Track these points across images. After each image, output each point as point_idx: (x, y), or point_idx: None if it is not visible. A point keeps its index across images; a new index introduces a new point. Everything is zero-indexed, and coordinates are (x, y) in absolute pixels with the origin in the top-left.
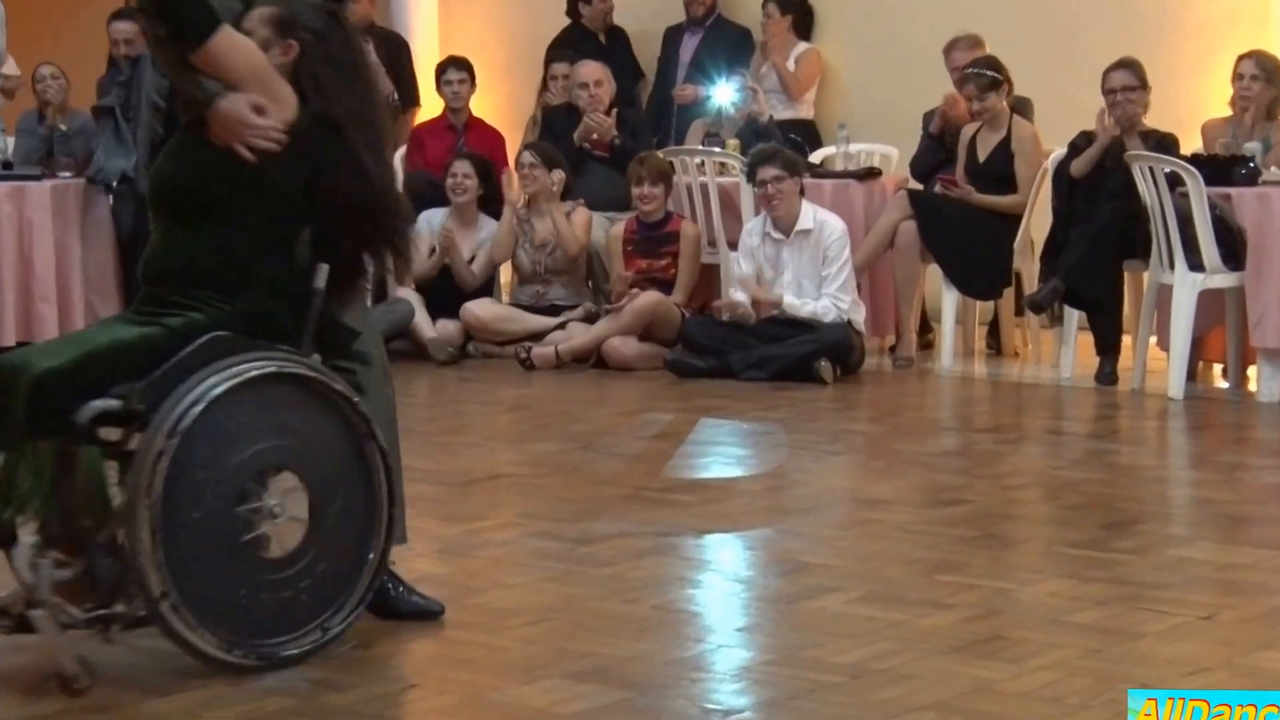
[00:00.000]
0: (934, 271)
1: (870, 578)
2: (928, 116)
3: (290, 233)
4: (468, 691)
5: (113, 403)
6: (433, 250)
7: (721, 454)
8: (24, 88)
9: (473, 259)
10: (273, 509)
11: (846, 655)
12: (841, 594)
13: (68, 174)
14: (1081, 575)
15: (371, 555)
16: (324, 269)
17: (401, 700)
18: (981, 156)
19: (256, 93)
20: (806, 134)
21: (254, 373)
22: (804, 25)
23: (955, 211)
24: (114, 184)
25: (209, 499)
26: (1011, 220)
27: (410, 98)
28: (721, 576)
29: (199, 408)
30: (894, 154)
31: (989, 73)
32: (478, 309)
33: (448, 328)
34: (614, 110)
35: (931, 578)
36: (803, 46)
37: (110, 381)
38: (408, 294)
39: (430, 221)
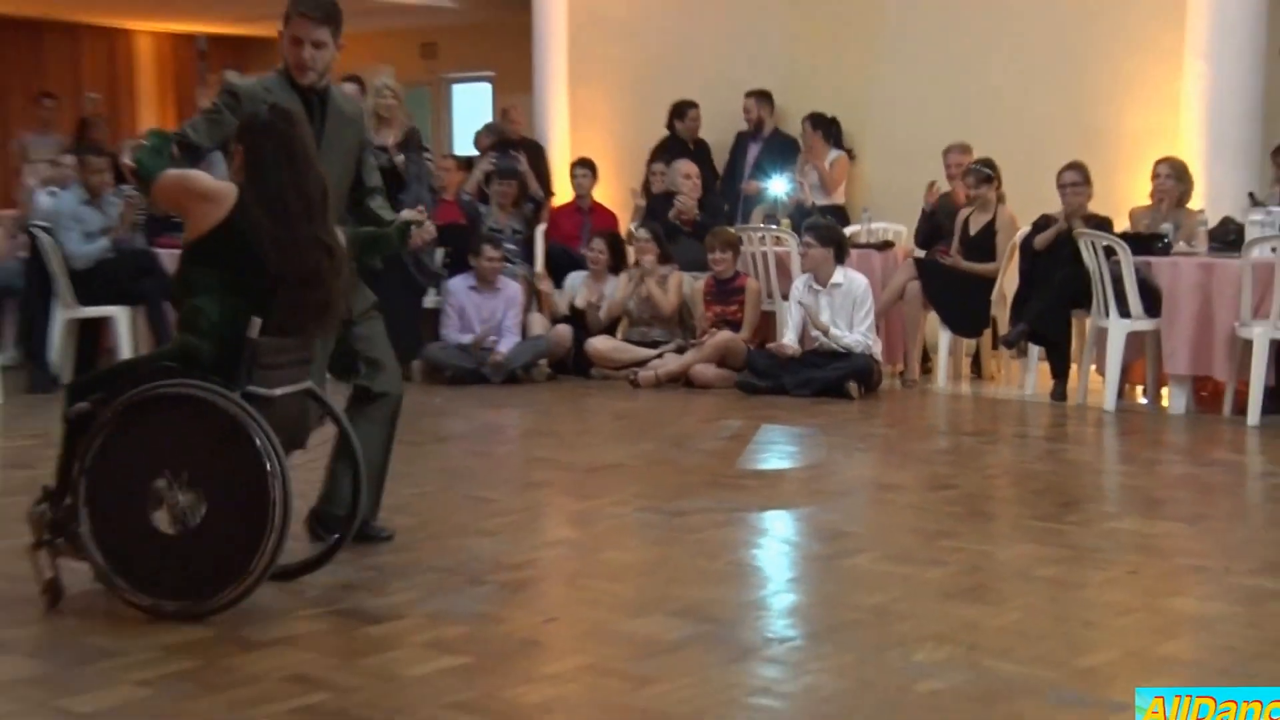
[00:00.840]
0: (932, 317)
1: (887, 542)
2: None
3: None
4: (593, 623)
5: (83, 405)
6: (570, 305)
7: (777, 451)
8: None
9: (599, 307)
10: (165, 494)
11: (870, 599)
12: (866, 554)
13: None
14: (1042, 541)
15: (263, 543)
16: (256, 322)
17: (547, 629)
18: (973, 231)
19: (194, 205)
20: (839, 216)
21: (160, 392)
22: (834, 135)
23: (948, 273)
24: None
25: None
26: (990, 280)
27: (548, 189)
28: (777, 541)
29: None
30: (903, 230)
31: (985, 170)
32: (599, 343)
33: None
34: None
35: (932, 542)
36: (835, 153)
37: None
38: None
39: (571, 282)
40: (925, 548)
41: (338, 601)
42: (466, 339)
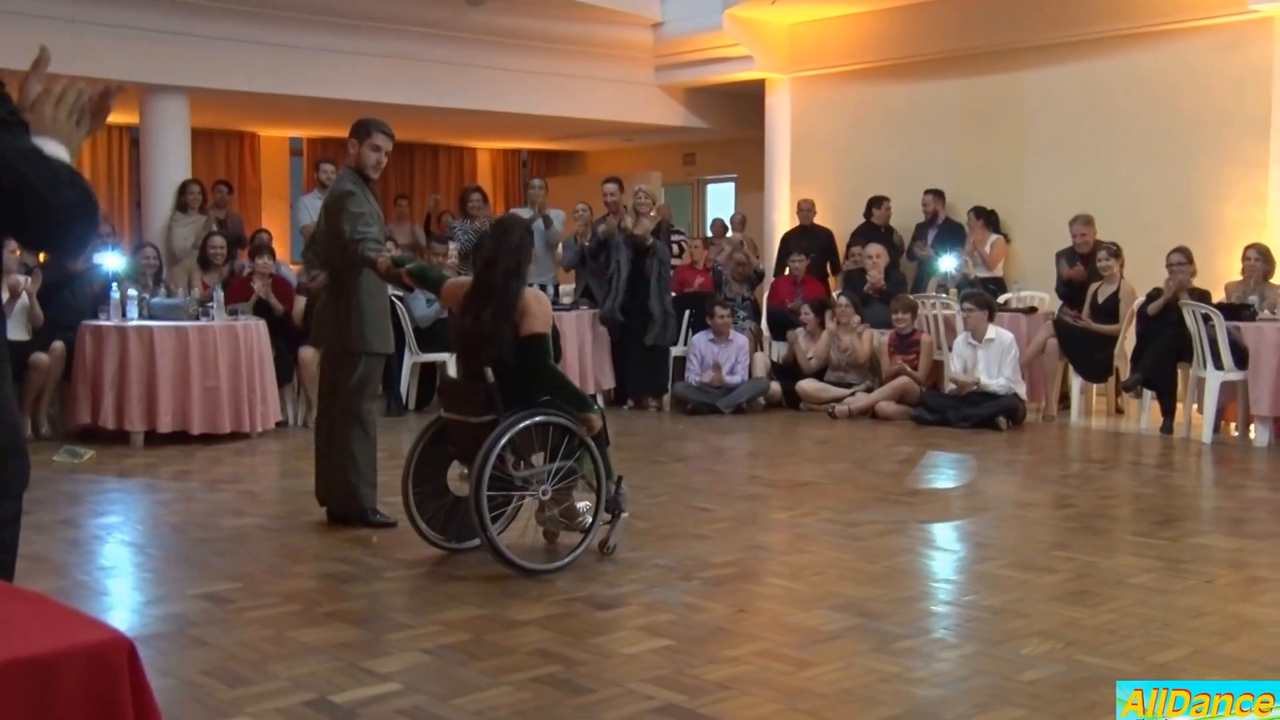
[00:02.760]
0: (1069, 366)
1: (1014, 551)
2: (1058, 258)
3: None
4: (771, 615)
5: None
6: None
7: (938, 473)
8: None
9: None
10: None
11: (993, 599)
12: (996, 561)
13: (585, 306)
14: (1139, 553)
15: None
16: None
17: (736, 618)
18: (1100, 299)
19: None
20: (997, 286)
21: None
22: (993, 223)
23: (1080, 333)
24: None
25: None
26: (1113, 338)
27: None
28: (928, 548)
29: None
30: (1045, 297)
31: (1114, 245)
32: (807, 385)
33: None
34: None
35: (1049, 552)
36: (994, 237)
37: None
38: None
39: (790, 335)
40: (1043, 556)
41: (578, 591)
42: (707, 378)
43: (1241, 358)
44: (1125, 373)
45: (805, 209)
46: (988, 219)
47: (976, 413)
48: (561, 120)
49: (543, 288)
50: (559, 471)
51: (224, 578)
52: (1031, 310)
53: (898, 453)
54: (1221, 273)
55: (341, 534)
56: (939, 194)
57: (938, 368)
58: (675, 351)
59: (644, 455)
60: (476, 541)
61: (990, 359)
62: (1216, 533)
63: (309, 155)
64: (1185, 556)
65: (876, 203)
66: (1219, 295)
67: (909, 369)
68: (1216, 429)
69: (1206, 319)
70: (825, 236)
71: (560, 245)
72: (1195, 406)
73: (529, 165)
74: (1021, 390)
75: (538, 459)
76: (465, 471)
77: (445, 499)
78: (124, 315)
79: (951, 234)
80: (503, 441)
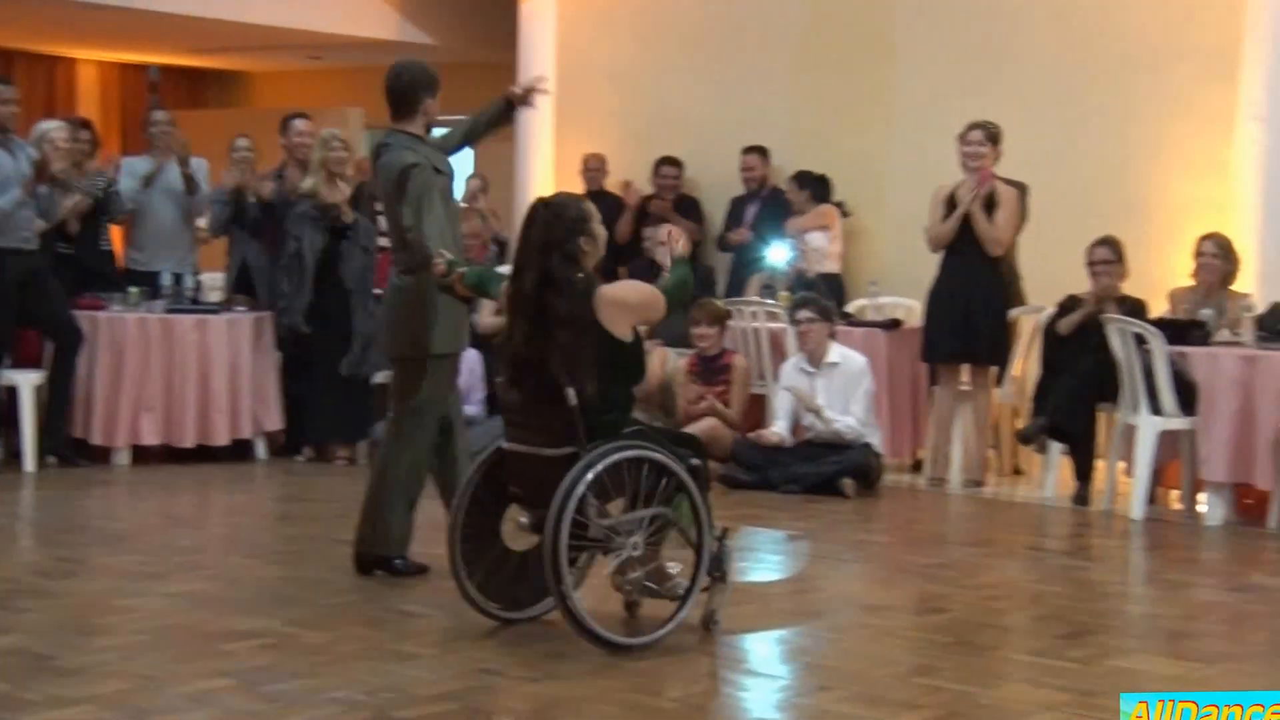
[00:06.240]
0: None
1: (859, 678)
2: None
3: None
4: None
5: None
6: None
7: (757, 560)
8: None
9: None
10: None
11: None
12: (833, 692)
13: (243, 308)
14: (1035, 681)
15: None
16: None
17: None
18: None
19: None
20: (835, 287)
21: None
22: (822, 195)
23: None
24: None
25: None
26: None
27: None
28: (736, 674)
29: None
30: (915, 306)
31: None
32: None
33: None
34: None
35: (909, 680)
36: (823, 206)
37: None
38: None
39: None
40: (901, 686)
41: None
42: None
43: (1188, 398)
44: (1023, 417)
45: (594, 169)
46: (816, 189)
47: (812, 472)
48: (212, 24)
49: (177, 279)
50: (652, 520)
51: None
52: (895, 324)
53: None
54: (1166, 274)
55: None
56: (763, 153)
57: (759, 406)
58: (380, 378)
59: (327, 529)
60: (540, 610)
61: (834, 393)
62: (1147, 652)
63: None
64: (1102, 687)
65: (671, 164)
66: (1160, 307)
67: (717, 406)
68: (1152, 499)
69: (1141, 341)
70: (613, 207)
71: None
72: (1122, 466)
73: (159, 89)
74: (876, 439)
75: (615, 506)
76: (525, 520)
77: (497, 553)
78: None
79: (781, 211)
80: (589, 479)
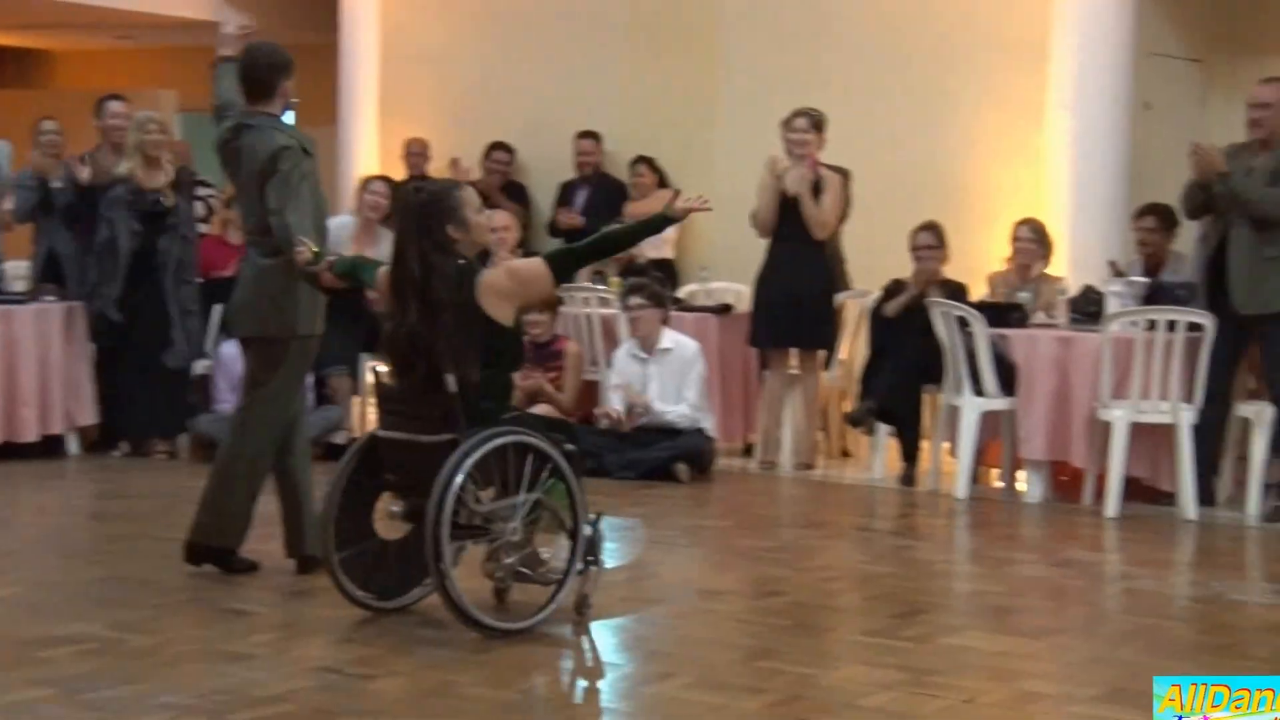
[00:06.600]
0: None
1: (700, 664)
2: None
3: None
4: None
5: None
6: None
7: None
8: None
9: None
10: None
11: None
12: (676, 679)
13: (52, 298)
14: (872, 662)
15: None
16: None
17: None
18: None
19: None
20: (668, 271)
21: None
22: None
23: None
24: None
25: None
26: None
27: None
28: (576, 663)
29: None
30: (745, 291)
31: None
32: None
33: None
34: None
35: (750, 664)
36: (661, 191)
37: None
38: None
39: None
40: (743, 670)
41: None
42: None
43: (1008, 379)
44: (851, 400)
45: (416, 153)
46: (662, 174)
47: (647, 458)
48: None
49: None
50: (528, 505)
51: None
52: (726, 309)
53: None
54: (985, 258)
55: None
56: (596, 138)
57: (592, 391)
58: (200, 367)
59: (148, 526)
60: (410, 599)
61: (665, 378)
62: (976, 629)
63: None
64: (936, 665)
65: (502, 149)
66: (979, 290)
67: (545, 385)
68: (975, 478)
69: (963, 324)
70: None
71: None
72: (946, 446)
73: None
74: (709, 424)
75: (487, 494)
76: (396, 508)
77: (370, 542)
78: None
79: (613, 195)
80: (470, 464)
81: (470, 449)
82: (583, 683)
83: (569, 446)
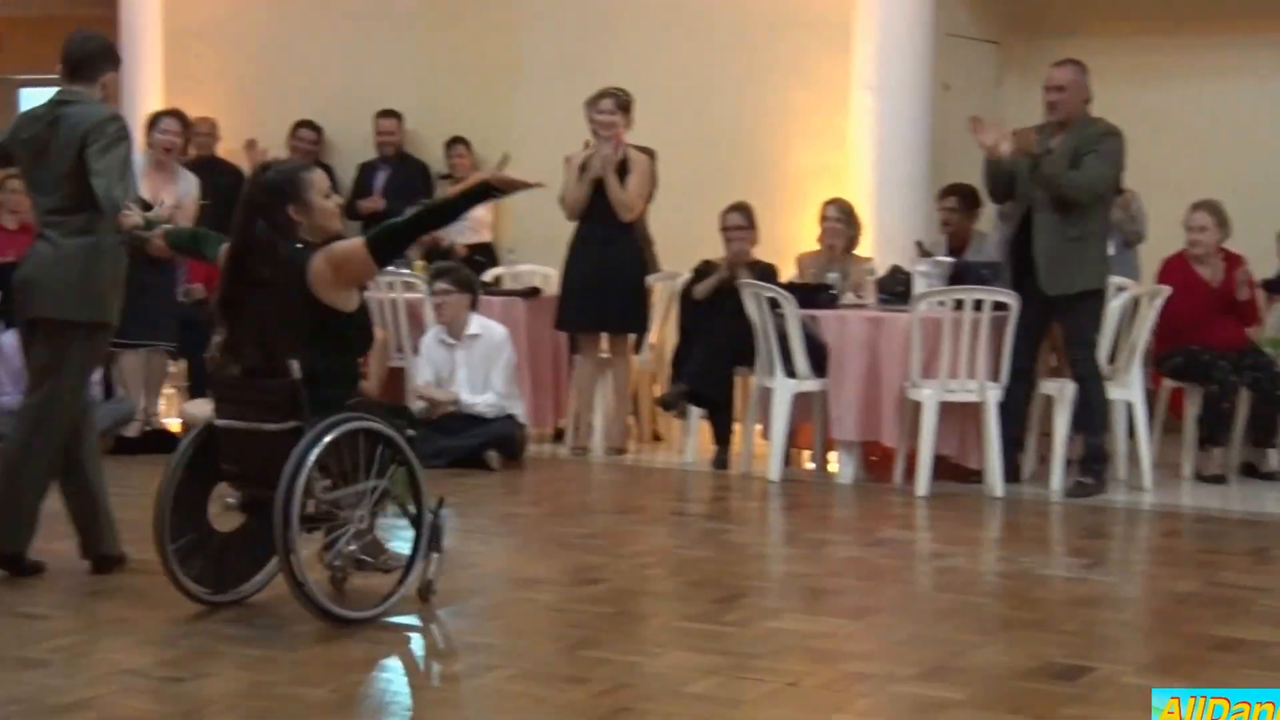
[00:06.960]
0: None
1: (524, 655)
2: None
3: None
4: None
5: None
6: None
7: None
8: None
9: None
10: None
11: None
12: (498, 671)
13: None
14: (696, 647)
15: None
16: None
17: None
18: None
19: None
20: (487, 255)
21: None
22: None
23: None
24: None
25: None
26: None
27: None
28: (394, 658)
29: None
30: (552, 274)
31: None
32: (192, 406)
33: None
34: None
35: (574, 654)
36: (478, 173)
37: None
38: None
39: None
40: (566, 660)
41: None
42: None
43: (819, 360)
44: (662, 383)
45: (204, 134)
46: (471, 150)
47: (456, 446)
48: None
49: None
50: (374, 493)
51: None
52: (534, 292)
53: None
54: (794, 239)
55: None
56: (398, 117)
57: (398, 377)
58: None
59: None
60: (246, 591)
61: (474, 363)
62: (795, 611)
63: None
64: (758, 649)
65: (309, 128)
66: (789, 271)
67: None
68: (787, 460)
69: (774, 305)
70: (227, 174)
71: None
72: (759, 429)
73: None
74: (519, 410)
75: (326, 482)
76: (233, 499)
77: (203, 534)
78: None
79: (414, 176)
80: (318, 451)
81: (317, 436)
82: (402, 678)
83: (410, 432)
